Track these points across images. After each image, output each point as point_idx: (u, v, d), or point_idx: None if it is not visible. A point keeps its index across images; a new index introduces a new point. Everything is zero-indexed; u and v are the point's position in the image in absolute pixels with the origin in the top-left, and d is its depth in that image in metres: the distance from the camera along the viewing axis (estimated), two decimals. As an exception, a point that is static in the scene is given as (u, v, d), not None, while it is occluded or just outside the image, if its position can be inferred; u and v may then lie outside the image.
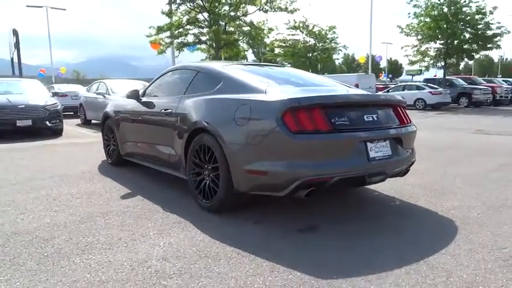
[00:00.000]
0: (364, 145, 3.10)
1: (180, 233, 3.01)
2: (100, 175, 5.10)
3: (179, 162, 3.96)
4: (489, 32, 20.14)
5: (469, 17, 20.07)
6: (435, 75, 29.73)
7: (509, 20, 46.12)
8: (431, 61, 22.01)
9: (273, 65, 5.06)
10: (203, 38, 15.02)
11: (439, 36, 20.47)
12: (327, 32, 28.80)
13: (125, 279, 2.27)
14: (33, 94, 10.47)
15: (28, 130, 9.39)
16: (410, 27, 21.01)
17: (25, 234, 3.02)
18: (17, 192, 4.24)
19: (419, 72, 45.07)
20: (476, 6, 20.11)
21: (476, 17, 20.15)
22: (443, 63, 21.93)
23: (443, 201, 3.82)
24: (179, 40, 15.63)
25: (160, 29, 14.61)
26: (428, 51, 21.83)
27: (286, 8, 14.10)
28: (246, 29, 14.90)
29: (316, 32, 28.57)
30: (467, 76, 26.25)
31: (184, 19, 14.66)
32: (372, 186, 4.21)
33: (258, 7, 13.73)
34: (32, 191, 4.28)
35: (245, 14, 14.17)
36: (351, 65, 63.92)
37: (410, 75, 52.13)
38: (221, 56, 15.98)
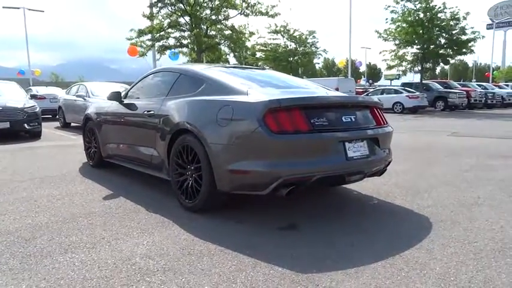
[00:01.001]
0: (343, 145, 3.21)
1: (163, 232, 3.04)
2: (81, 177, 5.08)
3: (162, 163, 3.99)
4: (463, 37, 20.79)
5: (444, 23, 20.68)
6: (413, 80, 30.47)
7: (482, 26, 47.69)
8: (409, 65, 22.57)
9: (254, 68, 5.14)
10: (184, 42, 15.03)
11: (416, 41, 21.01)
12: (307, 36, 29.21)
13: (109, 276, 2.30)
14: (11, 96, 10.29)
15: (5, 133, 9.21)
16: (388, 32, 21.51)
17: (6, 234, 3.00)
18: (-5, 195, 4.19)
19: (397, 77, 46.42)
20: (451, 12, 20.75)
21: (451, 22, 20.78)
22: (420, 68, 22.52)
23: (419, 200, 3.96)
24: (160, 43, 15.60)
25: (141, 32, 14.51)
26: (405, 56, 22.38)
27: (267, 13, 14.23)
28: (227, 32, 14.98)
29: (297, 37, 28.91)
30: (443, 80, 27.06)
31: (166, 22, 14.63)
32: (351, 186, 4.33)
33: (239, 11, 13.82)
34: (13, 193, 4.24)
35: (226, 18, 14.26)
36: (331, 69, 64.74)
37: (388, 79, 53.26)
38: (203, 60, 16.05)
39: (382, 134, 3.62)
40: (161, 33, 14.35)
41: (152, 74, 4.79)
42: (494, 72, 47.25)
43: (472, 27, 20.83)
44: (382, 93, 21.56)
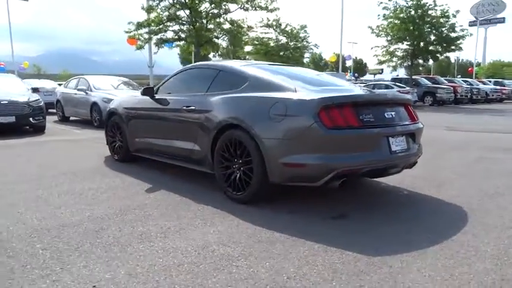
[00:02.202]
0: (387, 140, 3.45)
1: (223, 222, 3.22)
2: (112, 171, 5.18)
3: (204, 157, 4.14)
4: (452, 34, 21.38)
5: (434, 20, 21.19)
6: (397, 75, 31.14)
7: (465, 23, 48.65)
8: (399, 61, 23.06)
9: (285, 65, 5.32)
10: (183, 35, 14.99)
11: (407, 38, 21.48)
12: (299, 31, 29.44)
13: (197, 262, 2.48)
14: (14, 89, 10.19)
15: (11, 127, 9.15)
16: (381, 28, 21.92)
17: (73, 226, 3.13)
18: (36, 189, 4.26)
19: (381, 71, 47.53)
20: (441, 10, 21.27)
21: (441, 20, 21.31)
22: (410, 63, 23.02)
23: (444, 191, 4.24)
24: (158, 36, 15.55)
25: (140, 25, 14.44)
26: (396, 52, 22.84)
27: (267, 7, 14.37)
28: (226, 26, 15.04)
29: (288, 31, 29.11)
30: (431, 76, 27.80)
31: (164, 15, 14.54)
32: (378, 178, 4.57)
33: (239, 5, 13.89)
34: (52, 187, 4.33)
35: (226, 12, 14.32)
36: (318, 64, 65.22)
37: (372, 74, 54.11)
38: (201, 54, 16.16)
39: (417, 129, 3.88)
40: (160, 26, 14.31)
41: (186, 71, 4.93)
42: (476, 68, 48.41)
43: (461, 25, 21.45)
44: (373, 88, 21.93)
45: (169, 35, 15.13)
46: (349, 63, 56.28)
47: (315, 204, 3.76)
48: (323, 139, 3.19)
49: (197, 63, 4.80)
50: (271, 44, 29.19)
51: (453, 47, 21.81)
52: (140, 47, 15.40)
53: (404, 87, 21.44)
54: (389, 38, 22.11)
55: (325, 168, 3.21)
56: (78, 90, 11.98)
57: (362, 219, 3.34)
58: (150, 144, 5.10)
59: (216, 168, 3.96)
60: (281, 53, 28.94)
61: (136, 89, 12.95)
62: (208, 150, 4.05)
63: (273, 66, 4.61)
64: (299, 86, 3.73)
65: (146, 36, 15.12)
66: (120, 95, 11.26)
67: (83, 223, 3.21)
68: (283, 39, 29.42)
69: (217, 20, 14.32)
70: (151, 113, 5.00)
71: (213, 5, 13.84)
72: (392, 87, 21.40)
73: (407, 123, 3.78)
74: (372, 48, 22.96)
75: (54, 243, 2.81)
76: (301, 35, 29.55)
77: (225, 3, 13.62)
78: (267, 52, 28.35)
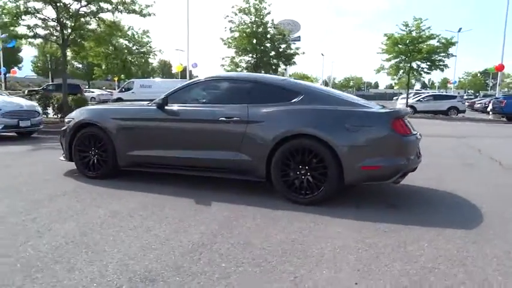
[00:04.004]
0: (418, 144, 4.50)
1: (331, 222, 3.63)
2: (115, 190, 4.66)
3: (253, 165, 4.33)
4: (289, 51, 24.79)
5: (274, 37, 24.07)
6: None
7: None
8: (244, 72, 25.22)
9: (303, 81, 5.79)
10: (41, 33, 12.75)
11: (252, 51, 23.74)
12: (141, 35, 28.66)
13: (383, 253, 2.94)
14: None
15: None
16: (231, 40, 23.57)
17: (201, 248, 3.03)
18: (71, 215, 3.67)
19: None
20: (277, 29, 24.35)
21: (277, 37, 24.37)
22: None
23: (418, 181, 5.51)
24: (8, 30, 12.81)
25: (-15, 15, 11.65)
26: (240, 63, 24.89)
27: (141, 11, 13.74)
28: (91, 27, 13.54)
29: (130, 35, 28.00)
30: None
31: (13, 6, 12.05)
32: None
33: (113, 6, 12.81)
34: (80, 213, 3.80)
35: (98, 12, 12.95)
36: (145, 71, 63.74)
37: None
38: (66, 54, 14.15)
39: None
40: (14, 19, 11.86)
41: (205, 82, 4.95)
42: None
43: (295, 43, 25.09)
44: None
45: (22, 30, 12.72)
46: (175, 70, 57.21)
47: (364, 198, 4.47)
48: (397, 144, 4.01)
49: (220, 74, 4.75)
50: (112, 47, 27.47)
51: (289, 62, 25.29)
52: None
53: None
54: (236, 50, 23.95)
55: (396, 169, 4.02)
56: None
57: (408, 207, 4.23)
58: (160, 158, 4.83)
59: (276, 176, 4.22)
60: (123, 57, 27.63)
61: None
62: (263, 159, 4.27)
63: (302, 81, 5.08)
64: (354, 100, 4.43)
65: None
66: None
67: (208, 246, 3.08)
68: (125, 43, 28.16)
69: (85, 19, 12.84)
70: (167, 124, 4.78)
71: (80, 2, 12.37)
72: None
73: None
74: (222, 58, 24.46)
75: (216, 262, 2.76)
76: (144, 39, 28.88)
77: (98, 2, 12.35)
78: (107, 55, 26.57)
